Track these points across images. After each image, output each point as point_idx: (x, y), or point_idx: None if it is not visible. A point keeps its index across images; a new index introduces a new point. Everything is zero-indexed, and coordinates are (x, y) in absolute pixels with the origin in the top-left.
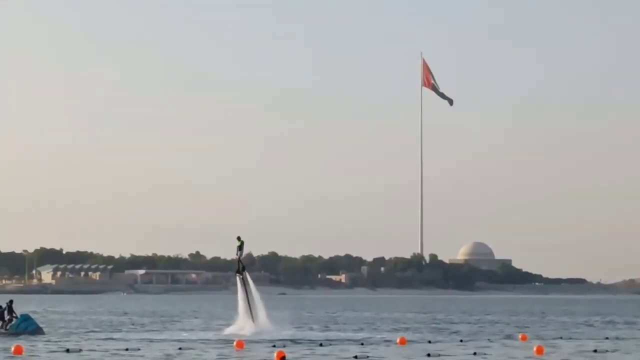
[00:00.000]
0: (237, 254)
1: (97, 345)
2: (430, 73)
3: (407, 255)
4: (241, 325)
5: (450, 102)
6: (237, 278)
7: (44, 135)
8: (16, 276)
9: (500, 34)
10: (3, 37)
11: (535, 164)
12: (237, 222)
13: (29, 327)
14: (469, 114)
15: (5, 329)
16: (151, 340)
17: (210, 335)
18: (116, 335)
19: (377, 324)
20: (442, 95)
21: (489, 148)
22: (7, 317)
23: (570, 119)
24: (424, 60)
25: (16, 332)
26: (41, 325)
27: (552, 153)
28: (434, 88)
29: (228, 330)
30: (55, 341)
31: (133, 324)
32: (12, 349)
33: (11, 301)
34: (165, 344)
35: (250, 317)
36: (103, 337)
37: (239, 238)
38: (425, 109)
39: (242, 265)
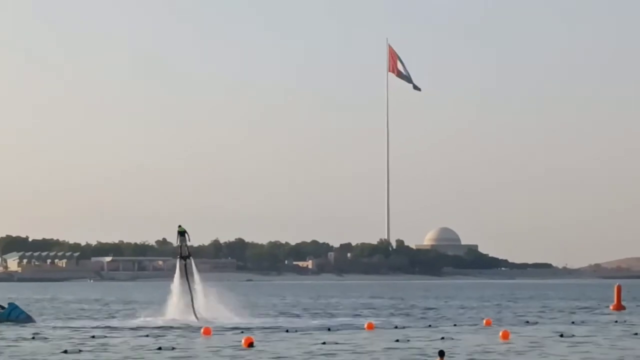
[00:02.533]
0: (177, 242)
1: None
2: (398, 58)
3: (374, 241)
4: (170, 312)
5: (415, 86)
6: (178, 265)
7: (6, 120)
8: None
9: (467, 19)
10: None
11: (500, 149)
12: (204, 209)
13: (19, 315)
14: (436, 99)
15: None
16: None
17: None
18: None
19: (344, 309)
20: (406, 79)
21: (455, 133)
22: None
23: (534, 102)
24: (389, 46)
25: (7, 320)
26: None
27: (517, 139)
28: (400, 74)
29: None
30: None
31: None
32: None
33: None
34: (127, 332)
35: (191, 305)
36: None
37: (179, 226)
38: (391, 94)
39: (188, 252)
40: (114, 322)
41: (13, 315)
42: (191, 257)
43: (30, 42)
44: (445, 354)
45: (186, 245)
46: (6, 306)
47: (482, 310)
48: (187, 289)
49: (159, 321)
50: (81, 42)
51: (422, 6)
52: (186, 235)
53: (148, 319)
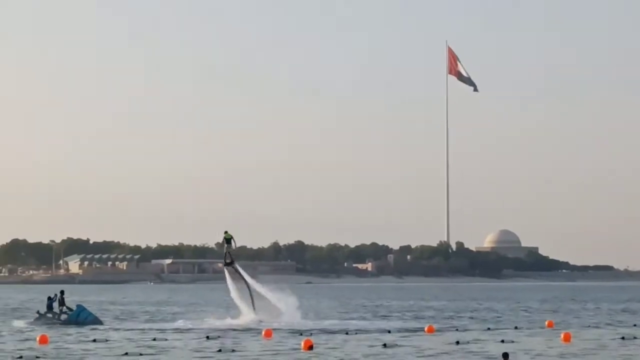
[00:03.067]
0: (224, 248)
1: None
2: (457, 60)
3: (434, 244)
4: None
5: (475, 87)
6: (226, 270)
7: (71, 126)
8: (43, 266)
9: (526, 18)
10: (36, 30)
11: (562, 150)
12: (263, 212)
13: (88, 317)
14: (495, 100)
15: (59, 319)
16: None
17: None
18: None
19: (404, 312)
20: (468, 82)
21: (516, 135)
22: (59, 308)
23: (598, 105)
24: (449, 48)
25: (76, 322)
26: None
27: (579, 139)
28: (459, 75)
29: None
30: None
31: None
32: (38, 338)
33: (62, 292)
34: (191, 334)
35: (252, 306)
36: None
37: (226, 232)
38: (450, 96)
39: (231, 258)
40: (175, 325)
41: (82, 317)
42: (235, 263)
43: (107, 48)
44: (509, 356)
45: (229, 252)
46: (74, 308)
47: (543, 313)
48: (244, 293)
49: (218, 323)
50: (156, 46)
51: (480, 6)
52: (232, 241)
53: (210, 321)
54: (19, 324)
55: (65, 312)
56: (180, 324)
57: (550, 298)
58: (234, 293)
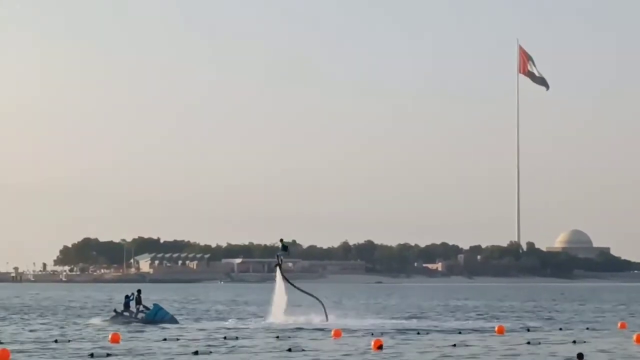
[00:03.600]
0: (278, 254)
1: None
2: (529, 59)
3: (504, 243)
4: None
5: (547, 87)
6: (277, 272)
7: (141, 127)
8: (114, 265)
9: (592, 16)
10: (96, 36)
11: (633, 147)
12: (333, 211)
13: (165, 316)
14: (567, 99)
15: (136, 318)
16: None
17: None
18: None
19: (473, 312)
20: (540, 81)
21: (587, 133)
22: (135, 307)
23: None
24: (520, 47)
25: (153, 321)
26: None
27: None
28: (530, 74)
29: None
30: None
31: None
32: (110, 337)
33: (139, 291)
34: (258, 333)
35: (322, 309)
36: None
37: (281, 240)
38: (522, 95)
39: (280, 261)
40: (245, 324)
41: (159, 316)
42: (280, 267)
43: (178, 47)
44: (584, 356)
45: (282, 259)
46: (151, 307)
47: (617, 314)
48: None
49: (282, 320)
50: (224, 45)
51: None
52: (287, 249)
53: (274, 320)
54: (95, 321)
55: (142, 311)
56: (231, 322)
57: (623, 299)
58: (278, 292)
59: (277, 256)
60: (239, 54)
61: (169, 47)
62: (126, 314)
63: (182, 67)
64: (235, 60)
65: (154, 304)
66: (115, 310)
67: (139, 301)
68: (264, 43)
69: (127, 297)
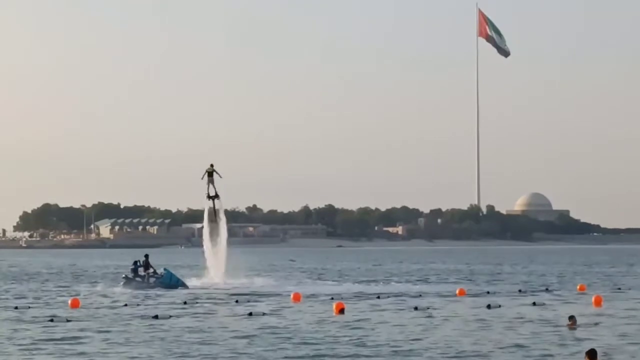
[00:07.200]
0: (206, 182)
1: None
2: (488, 23)
3: (464, 207)
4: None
5: (506, 54)
6: (206, 208)
7: (100, 89)
8: (74, 231)
9: None
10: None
11: (592, 112)
12: (294, 176)
13: (178, 281)
14: (526, 62)
15: (148, 282)
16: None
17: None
18: None
19: (435, 275)
20: (499, 48)
21: (546, 97)
22: (145, 272)
23: (631, 64)
24: (479, 10)
25: (169, 286)
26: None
27: (610, 100)
28: (491, 38)
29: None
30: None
31: None
32: (70, 302)
33: (147, 256)
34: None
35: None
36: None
37: (211, 165)
38: (481, 59)
39: (216, 192)
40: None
41: (173, 280)
42: (219, 198)
43: (133, 11)
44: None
45: (214, 185)
46: (159, 272)
47: (574, 276)
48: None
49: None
50: (183, 6)
51: None
52: (215, 174)
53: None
54: (116, 289)
55: (152, 276)
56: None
57: (581, 261)
58: (207, 244)
59: (209, 186)
60: (197, 16)
61: (123, 11)
62: (138, 279)
63: (138, 31)
64: (193, 23)
65: (165, 269)
66: (125, 276)
67: (147, 266)
68: (223, 3)
69: (135, 262)
